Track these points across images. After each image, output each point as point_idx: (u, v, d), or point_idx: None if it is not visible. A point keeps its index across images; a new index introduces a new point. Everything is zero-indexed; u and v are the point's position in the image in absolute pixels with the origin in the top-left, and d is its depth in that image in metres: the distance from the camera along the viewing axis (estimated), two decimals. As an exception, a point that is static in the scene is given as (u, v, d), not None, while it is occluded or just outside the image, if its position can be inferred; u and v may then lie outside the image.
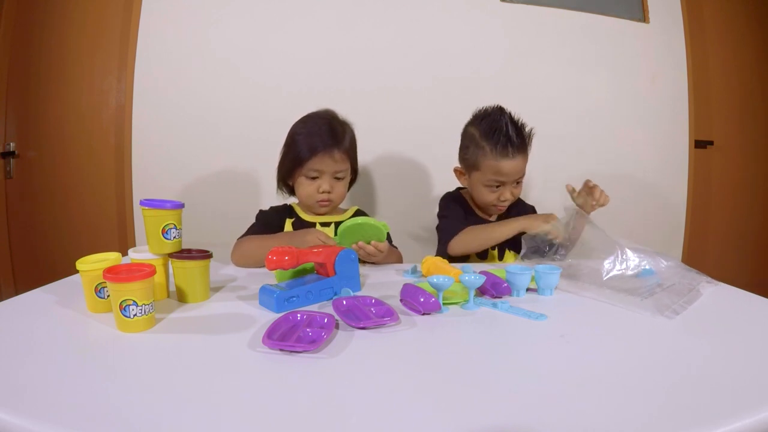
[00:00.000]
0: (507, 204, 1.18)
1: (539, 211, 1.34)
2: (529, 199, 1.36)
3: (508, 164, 1.10)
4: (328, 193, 1.09)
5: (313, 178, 1.08)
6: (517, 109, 1.18)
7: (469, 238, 1.11)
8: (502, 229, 1.08)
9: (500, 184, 1.14)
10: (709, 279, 0.88)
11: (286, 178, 1.14)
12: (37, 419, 0.41)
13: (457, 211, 1.22)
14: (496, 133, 1.10)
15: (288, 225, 1.13)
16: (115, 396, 0.46)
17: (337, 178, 1.10)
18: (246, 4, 1.55)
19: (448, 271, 0.85)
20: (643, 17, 1.80)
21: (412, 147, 1.63)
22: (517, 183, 1.17)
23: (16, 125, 1.68)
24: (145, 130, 1.54)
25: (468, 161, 1.17)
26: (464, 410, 0.44)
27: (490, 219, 1.23)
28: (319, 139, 1.06)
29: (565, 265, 0.90)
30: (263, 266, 1.02)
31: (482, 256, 1.20)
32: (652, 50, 1.80)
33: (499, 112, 1.14)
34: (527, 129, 1.15)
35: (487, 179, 1.14)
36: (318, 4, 1.57)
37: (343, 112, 1.16)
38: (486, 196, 1.16)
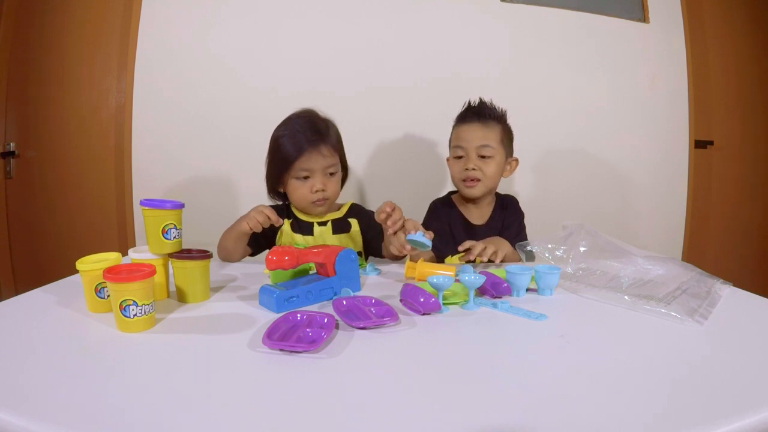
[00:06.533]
0: (474, 176, 1.14)
1: (541, 211, 1.34)
2: (530, 199, 1.35)
3: (465, 128, 1.17)
4: (323, 191, 1.06)
5: (305, 178, 1.06)
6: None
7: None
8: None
9: (463, 153, 1.16)
10: (723, 281, 0.86)
11: (275, 186, 1.12)
12: (37, 419, 0.41)
13: (431, 226, 1.23)
14: (462, 108, 1.21)
15: (286, 225, 1.12)
16: (115, 396, 0.46)
17: (330, 174, 1.08)
18: (246, 5, 1.55)
19: (441, 268, 0.85)
20: (643, 17, 1.80)
21: (411, 147, 1.63)
22: (484, 157, 1.14)
23: (16, 125, 1.68)
24: (145, 130, 1.54)
25: (449, 146, 1.24)
26: (464, 410, 0.44)
27: (476, 223, 1.21)
28: (304, 136, 1.04)
29: (577, 269, 0.89)
30: (236, 258, 1.06)
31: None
32: (652, 50, 1.80)
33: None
34: (498, 107, 1.19)
35: (453, 149, 1.19)
36: (320, 6, 1.57)
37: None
38: (454, 170, 1.19)
